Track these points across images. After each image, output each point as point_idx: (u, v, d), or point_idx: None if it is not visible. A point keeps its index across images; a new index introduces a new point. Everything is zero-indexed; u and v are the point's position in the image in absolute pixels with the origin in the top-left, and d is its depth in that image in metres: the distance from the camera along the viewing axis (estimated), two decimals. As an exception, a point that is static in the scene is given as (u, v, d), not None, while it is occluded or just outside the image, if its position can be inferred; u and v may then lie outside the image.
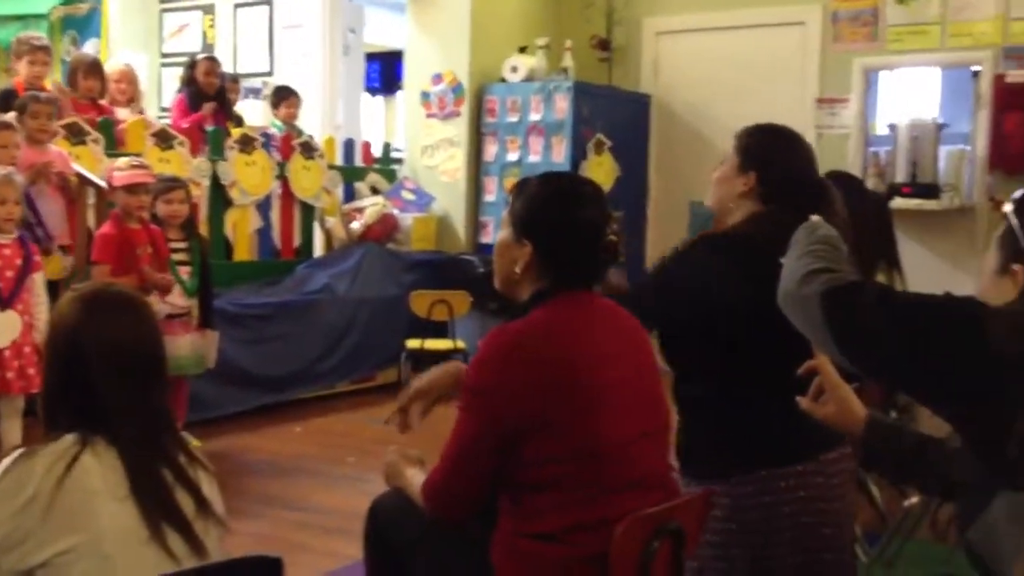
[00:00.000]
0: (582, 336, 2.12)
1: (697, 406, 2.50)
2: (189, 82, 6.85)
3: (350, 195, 7.45)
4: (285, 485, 4.78)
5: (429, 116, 7.81)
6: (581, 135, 7.34)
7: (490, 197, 7.56)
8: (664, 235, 7.50)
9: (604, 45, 8.03)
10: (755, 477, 2.39)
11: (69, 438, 1.84)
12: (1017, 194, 1.56)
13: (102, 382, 1.89)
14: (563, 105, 7.32)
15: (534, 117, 7.42)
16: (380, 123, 12.32)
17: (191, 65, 6.90)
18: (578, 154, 7.32)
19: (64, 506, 1.77)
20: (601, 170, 7.44)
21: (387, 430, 5.76)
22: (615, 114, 7.63)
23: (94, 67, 6.29)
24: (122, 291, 2.08)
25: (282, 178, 6.86)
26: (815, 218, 2.09)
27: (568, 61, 7.63)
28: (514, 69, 7.57)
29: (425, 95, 7.81)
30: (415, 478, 2.26)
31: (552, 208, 2.17)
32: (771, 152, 2.61)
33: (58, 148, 5.31)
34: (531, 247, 2.14)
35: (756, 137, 2.65)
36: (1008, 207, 1.55)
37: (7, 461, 1.84)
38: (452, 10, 7.67)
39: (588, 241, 2.17)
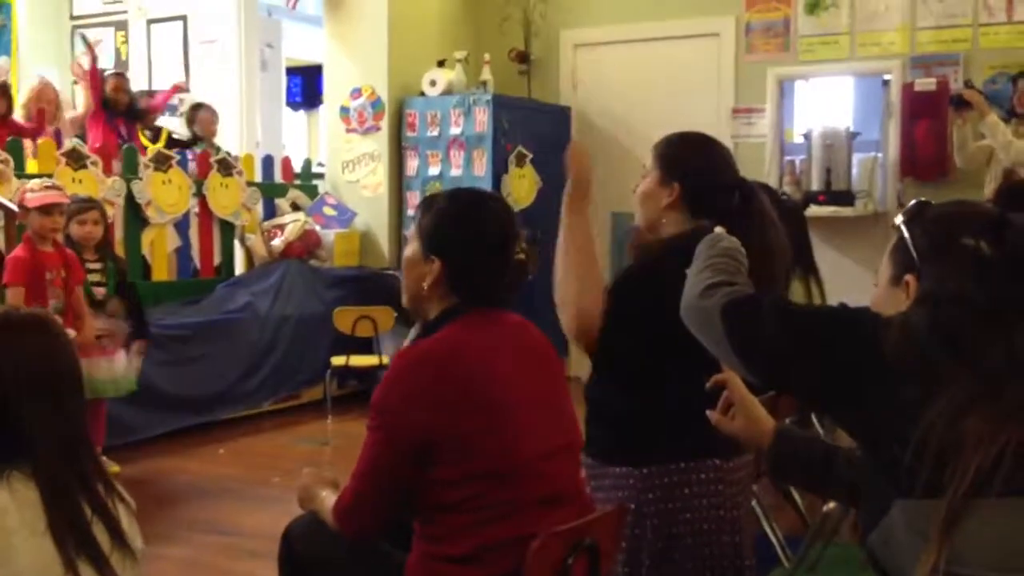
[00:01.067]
0: (490, 354, 2.12)
1: (618, 395, 2.50)
2: (104, 101, 6.76)
3: (271, 212, 7.38)
4: (210, 508, 4.71)
5: (349, 131, 7.77)
6: (502, 148, 7.37)
7: (412, 211, 7.55)
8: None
9: (522, 58, 8.07)
10: (670, 468, 2.41)
11: None
12: (908, 206, 1.60)
13: (17, 408, 1.85)
14: (483, 118, 7.34)
15: (454, 131, 7.43)
16: (303, 138, 12.22)
17: (103, 81, 6.81)
18: (500, 167, 7.34)
19: None
20: (523, 182, 7.48)
21: (312, 450, 5.75)
22: (535, 126, 7.67)
23: (2, 86, 6.17)
24: (32, 313, 2.04)
25: (200, 196, 6.77)
26: (718, 230, 2.12)
27: (487, 74, 7.66)
28: (433, 83, 7.57)
29: (344, 110, 7.78)
30: (328, 500, 2.25)
31: (459, 225, 2.18)
32: (691, 160, 2.60)
33: (-35, 170, 5.20)
34: (439, 264, 2.14)
35: (674, 147, 2.63)
36: (899, 219, 1.59)
37: None
38: (369, 24, 7.64)
39: (495, 258, 2.18)
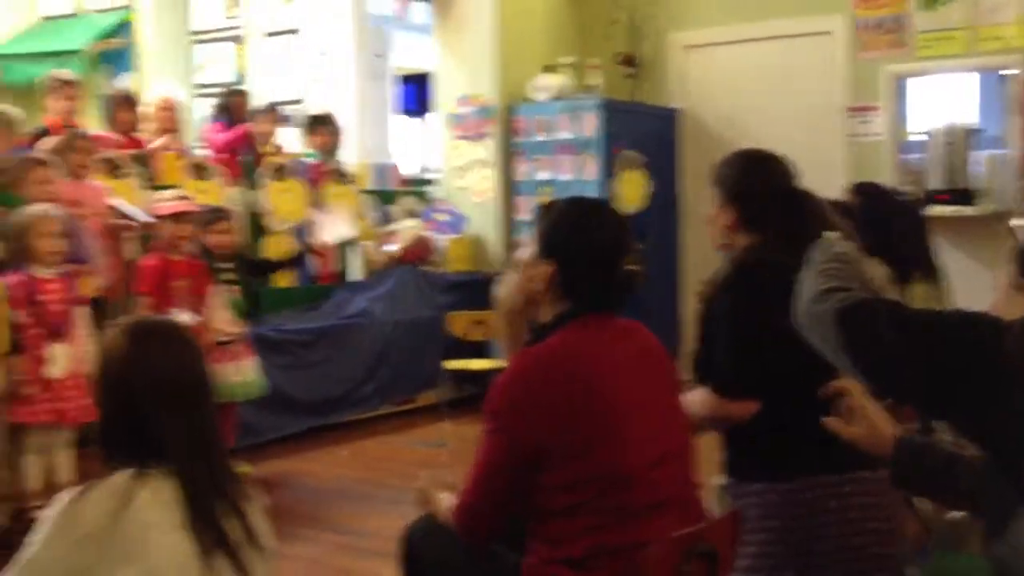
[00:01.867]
0: (603, 358, 2.15)
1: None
2: (223, 111, 6.99)
3: (384, 219, 7.53)
4: (330, 508, 4.85)
5: (459, 138, 7.88)
6: (611, 152, 7.39)
7: (523, 216, 7.61)
8: (700, 244, 7.53)
9: (630, 61, 8.07)
10: (813, 482, 2.41)
11: (123, 473, 1.89)
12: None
13: (154, 414, 1.95)
14: (591, 123, 7.36)
15: (563, 136, 7.47)
16: (415, 145, 12.41)
17: (225, 95, 7.04)
18: (609, 171, 7.36)
19: (120, 540, 1.83)
20: (633, 186, 7.48)
21: (429, 452, 5.86)
22: (644, 130, 7.67)
23: (130, 101, 6.43)
24: (166, 322, 2.15)
25: (318, 204, 6.95)
26: (830, 235, 2.11)
27: (594, 78, 7.68)
28: (541, 88, 7.63)
29: (454, 117, 7.89)
30: (446, 502, 2.31)
31: (575, 229, 2.22)
32: (741, 179, 2.64)
33: (96, 182, 5.43)
34: (552, 267, 2.19)
35: (726, 169, 2.68)
36: (1014, 222, 1.57)
37: (60, 501, 1.90)
38: (477, 31, 7.74)
39: (607, 266, 2.21)
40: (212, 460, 2.00)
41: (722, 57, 7.95)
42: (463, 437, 6.06)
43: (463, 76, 7.84)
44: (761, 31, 7.68)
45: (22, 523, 4.31)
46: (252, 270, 5.42)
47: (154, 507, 1.87)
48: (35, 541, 1.88)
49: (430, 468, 5.37)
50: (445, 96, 7.99)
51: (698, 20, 7.98)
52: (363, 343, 6.59)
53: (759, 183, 2.62)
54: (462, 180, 7.88)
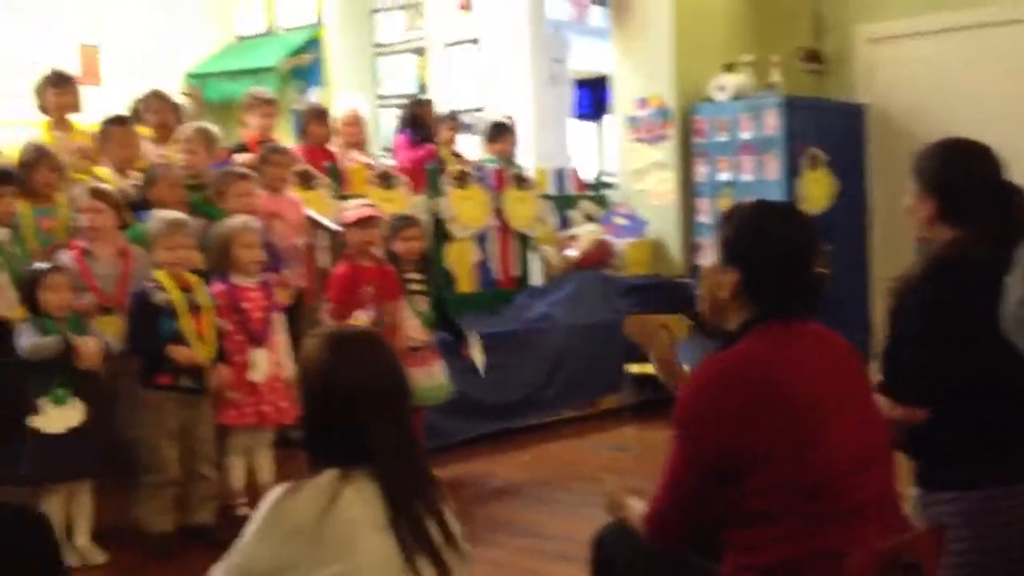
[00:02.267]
0: (794, 363, 2.11)
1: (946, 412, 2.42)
2: (410, 121, 7.18)
3: (564, 223, 7.57)
4: (516, 511, 4.90)
5: (637, 140, 7.85)
6: (794, 151, 7.21)
7: (704, 218, 7.51)
8: (890, 243, 7.28)
9: (813, 56, 7.87)
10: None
11: (330, 472, 1.98)
12: None
13: (355, 418, 2.03)
14: (773, 121, 7.21)
15: (744, 135, 7.35)
16: (592, 149, 12.43)
17: (411, 105, 7.23)
18: (792, 170, 7.19)
19: (327, 537, 1.91)
20: (818, 185, 7.29)
21: (613, 456, 5.85)
22: (828, 127, 7.46)
23: (321, 115, 6.67)
24: (363, 330, 2.24)
25: (498, 210, 7.06)
26: None
27: (776, 76, 7.52)
28: (721, 88, 7.52)
29: (632, 120, 7.87)
30: (636, 508, 2.30)
31: (759, 235, 2.18)
32: (943, 170, 2.55)
33: (292, 194, 5.65)
34: (737, 274, 2.16)
35: (928, 159, 2.59)
36: None
37: (272, 497, 2.00)
38: (654, 33, 7.69)
39: (794, 271, 2.17)
40: (411, 462, 2.06)
41: (911, 49, 7.65)
42: (646, 441, 6.04)
43: (640, 78, 7.81)
44: (952, 21, 7.36)
45: (227, 520, 4.54)
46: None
47: (359, 506, 1.94)
48: (248, 533, 1.98)
49: (614, 473, 5.43)
50: (622, 99, 7.98)
51: (885, 12, 7.71)
52: (544, 347, 6.64)
53: (961, 174, 2.53)
54: (641, 183, 7.84)
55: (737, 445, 2.03)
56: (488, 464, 5.76)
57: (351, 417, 2.03)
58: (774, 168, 7.20)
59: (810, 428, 2.05)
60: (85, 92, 5.70)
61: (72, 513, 4.18)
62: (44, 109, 5.36)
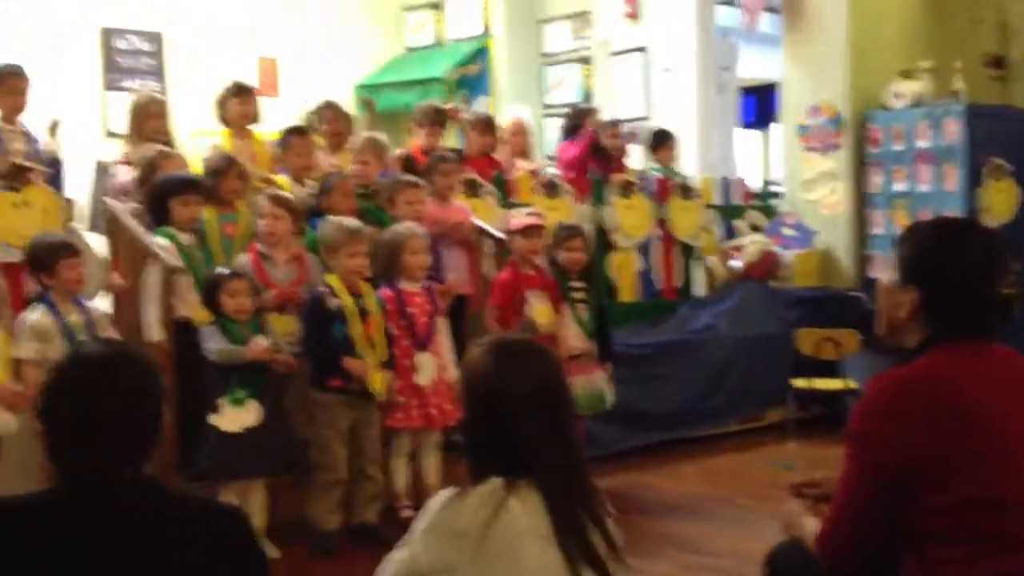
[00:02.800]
0: (976, 381, 2.03)
1: None
2: (573, 130, 7.20)
3: (729, 233, 7.45)
4: (679, 525, 4.83)
5: (808, 149, 7.67)
6: (976, 161, 6.90)
7: (877, 230, 7.28)
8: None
9: (998, 62, 7.52)
10: None
11: (496, 481, 1.98)
12: None
13: (521, 427, 2.03)
14: (954, 129, 6.93)
15: (922, 144, 7.09)
16: (756, 157, 12.22)
17: (574, 115, 7.24)
18: (973, 181, 6.88)
19: (492, 545, 1.91)
20: (1002, 197, 6.97)
21: (776, 473, 5.70)
22: (1014, 135, 7.11)
23: (488, 124, 6.74)
24: (526, 339, 2.24)
25: (661, 220, 6.99)
26: None
27: (958, 83, 7.21)
28: (898, 95, 7.27)
29: (803, 128, 7.68)
30: (811, 527, 2.24)
31: (939, 254, 2.11)
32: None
33: (460, 203, 5.73)
34: (916, 293, 2.09)
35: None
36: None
37: (440, 499, 2.02)
38: (828, 40, 7.50)
39: (977, 291, 2.08)
40: (574, 472, 2.05)
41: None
42: (811, 458, 5.87)
43: (812, 85, 7.63)
44: None
45: (391, 521, 4.63)
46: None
47: (524, 517, 1.94)
48: (415, 531, 2.01)
49: (778, 489, 5.28)
50: (792, 107, 7.81)
51: (1077, 14, 7.32)
52: (708, 358, 6.54)
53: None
54: (811, 193, 7.65)
55: (917, 460, 1.97)
56: (648, 476, 5.70)
57: (514, 426, 2.03)
58: (954, 178, 6.91)
59: (992, 444, 1.98)
60: (264, 103, 5.91)
61: (247, 509, 4.32)
62: (225, 119, 5.58)
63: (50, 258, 4.13)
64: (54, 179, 4.95)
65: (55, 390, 1.89)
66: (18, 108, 5.16)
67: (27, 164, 4.82)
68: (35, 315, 4.13)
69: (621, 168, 7.15)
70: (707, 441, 6.40)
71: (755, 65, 9.52)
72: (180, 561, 1.80)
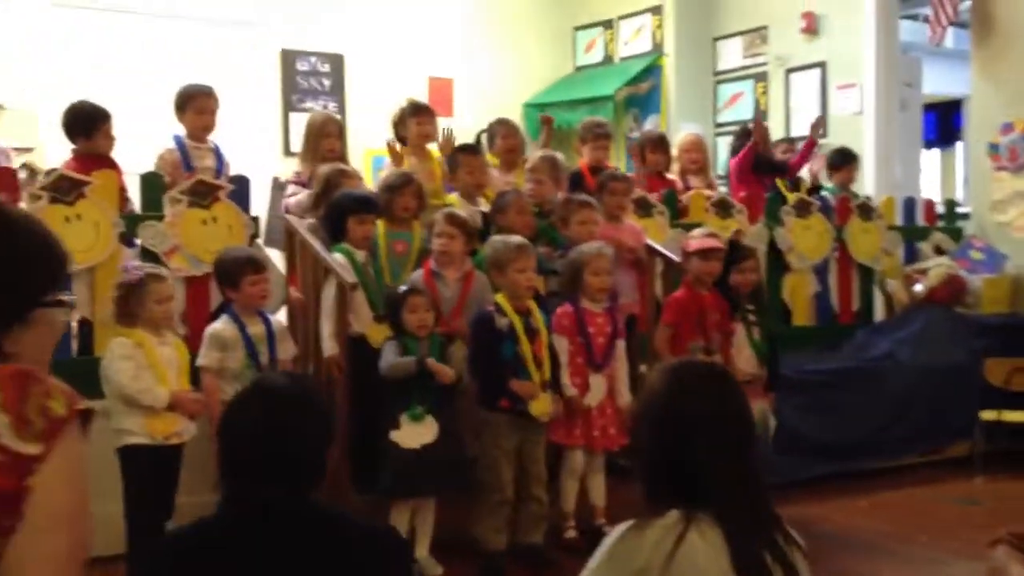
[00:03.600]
0: None
1: None
2: (742, 148, 7.04)
3: (912, 256, 7.14)
4: (852, 562, 4.62)
5: (999, 169, 7.28)
6: None
7: (1077, 256, 6.85)
8: None
9: None
10: None
11: (675, 514, 1.91)
12: None
13: (701, 454, 1.95)
14: None
15: None
16: (936, 177, 11.72)
17: (742, 133, 7.09)
18: None
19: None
20: None
21: (961, 510, 5.40)
22: None
23: (660, 142, 6.65)
24: (708, 363, 2.16)
25: (839, 241, 6.76)
26: None
27: None
28: (1102, 111, 6.83)
29: (993, 147, 7.30)
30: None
31: None
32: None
33: (631, 222, 5.66)
34: None
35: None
36: None
37: (617, 533, 1.95)
38: (1021, 54, 7.10)
39: None
40: (756, 502, 1.96)
41: None
42: (999, 494, 5.54)
43: (1004, 101, 7.25)
44: None
45: (556, 542, 4.59)
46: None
47: (703, 551, 1.87)
48: (592, 567, 1.95)
49: (966, 527, 5.01)
50: (981, 124, 7.44)
51: None
52: (887, 387, 6.26)
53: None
54: (1001, 214, 7.26)
55: None
56: (822, 508, 5.48)
57: (693, 453, 1.95)
58: None
59: None
60: (438, 123, 5.97)
61: (415, 525, 4.36)
62: (402, 138, 5.67)
63: (236, 273, 4.27)
64: (240, 196, 5.10)
65: (236, 415, 2.03)
66: (208, 127, 5.35)
67: (214, 182, 5.01)
68: (219, 325, 4.29)
69: (792, 178, 6.96)
70: (883, 474, 6.10)
71: (937, 81, 9.14)
72: None
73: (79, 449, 1.15)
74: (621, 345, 4.77)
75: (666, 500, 1.94)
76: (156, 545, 1.99)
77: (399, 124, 5.62)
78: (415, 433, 4.25)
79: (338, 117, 6.05)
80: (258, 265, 4.34)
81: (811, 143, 6.97)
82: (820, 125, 7.22)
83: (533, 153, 5.71)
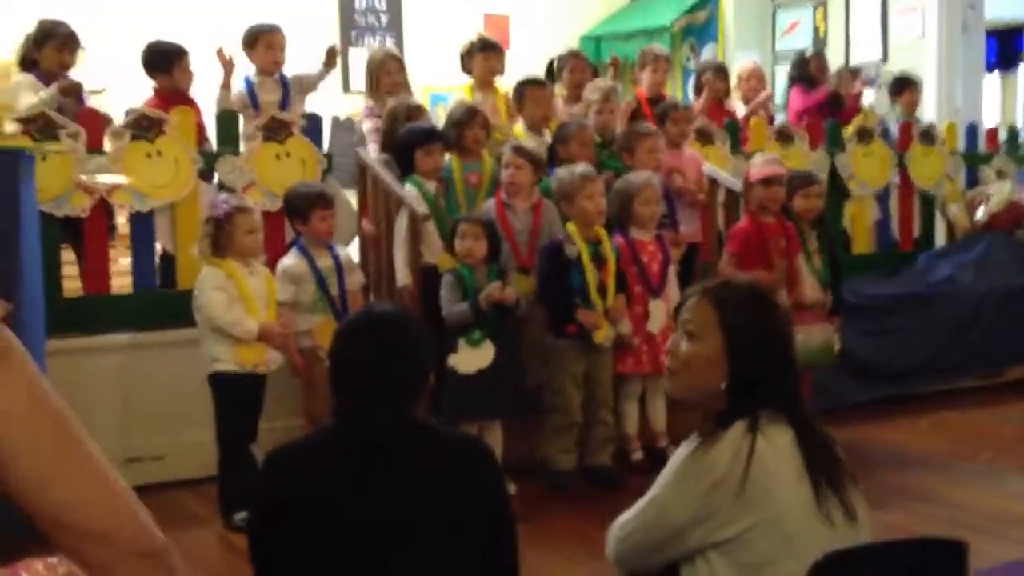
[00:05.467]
0: None
1: None
2: (799, 77, 7.03)
3: (973, 182, 7.13)
4: (913, 477, 4.72)
5: (1062, 92, 7.20)
6: None
7: None
8: None
9: None
10: None
11: (740, 425, 2.01)
12: None
13: (772, 370, 2.07)
14: None
15: None
16: (997, 101, 11.54)
17: (800, 63, 7.08)
18: None
19: (748, 489, 1.96)
20: None
21: (1020, 429, 5.45)
22: None
23: (719, 70, 6.67)
24: (749, 283, 2.26)
25: (901, 168, 6.76)
26: None
27: None
28: None
29: (1057, 70, 7.22)
30: None
31: None
32: None
33: (691, 151, 5.72)
34: None
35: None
36: None
37: (686, 450, 2.06)
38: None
39: None
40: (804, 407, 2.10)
41: None
42: (1056, 414, 5.61)
43: (1068, 24, 7.14)
44: None
45: (623, 464, 4.75)
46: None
47: (772, 456, 1.98)
48: (662, 487, 2.07)
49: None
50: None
51: None
52: (948, 312, 6.31)
53: None
54: (1064, 139, 7.20)
55: None
56: (881, 429, 5.58)
57: (766, 367, 2.07)
58: None
59: None
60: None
61: (485, 445, 4.51)
62: (469, 72, 5.75)
63: (305, 207, 4.42)
64: (313, 133, 5.23)
65: (347, 339, 2.24)
66: (278, 62, 5.46)
67: (287, 117, 5.14)
68: (289, 260, 4.45)
69: (854, 113, 6.94)
70: (943, 396, 6.17)
71: (1000, 3, 8.98)
72: (446, 492, 2.08)
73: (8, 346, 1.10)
74: (672, 271, 4.86)
75: (730, 414, 2.04)
76: (271, 460, 2.17)
77: (466, 58, 5.70)
78: (473, 358, 4.35)
79: (397, 53, 6.11)
80: (327, 200, 4.48)
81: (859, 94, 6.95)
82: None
83: (592, 83, 5.74)
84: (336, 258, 4.51)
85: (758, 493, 1.95)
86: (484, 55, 5.63)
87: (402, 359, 2.18)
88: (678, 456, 2.06)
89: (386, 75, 5.56)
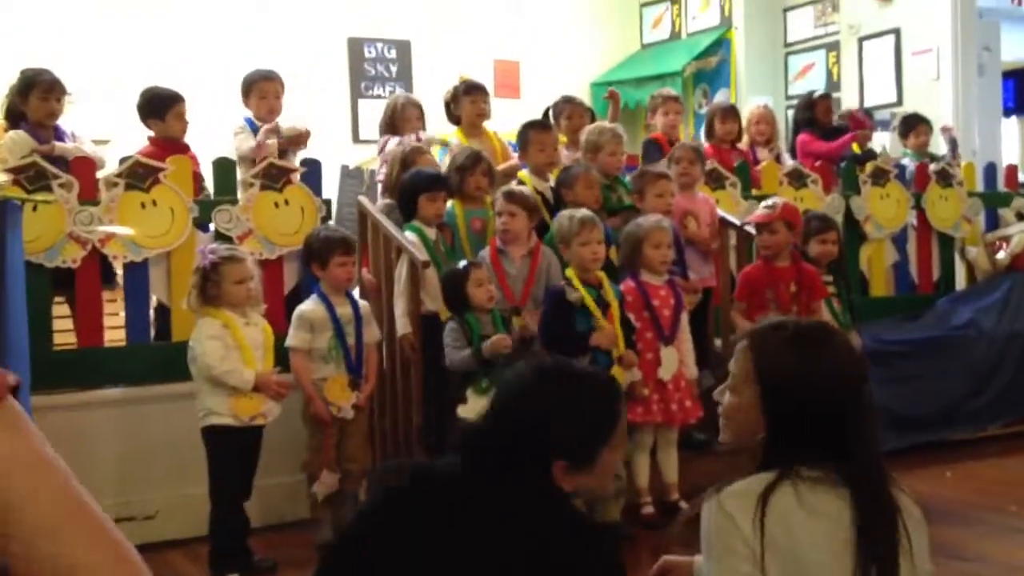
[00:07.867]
0: None
1: None
2: (806, 121, 6.92)
3: (993, 223, 6.96)
4: (940, 531, 4.46)
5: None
6: None
7: None
8: None
9: None
10: None
11: (762, 479, 1.86)
12: None
13: (818, 421, 1.90)
14: None
15: None
16: (1014, 144, 11.41)
17: (807, 104, 6.97)
18: None
19: (777, 544, 1.80)
20: None
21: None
22: None
23: (730, 112, 6.56)
24: (821, 326, 2.11)
25: (918, 209, 6.61)
26: None
27: None
28: None
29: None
30: None
31: None
32: None
33: (704, 194, 5.60)
34: None
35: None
36: None
37: (711, 507, 1.89)
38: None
39: None
40: (874, 467, 1.92)
41: None
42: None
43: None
44: None
45: (634, 519, 4.56)
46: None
47: (803, 521, 1.83)
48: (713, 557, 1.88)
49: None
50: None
51: None
52: (970, 357, 6.13)
53: None
54: (1085, 180, 7.04)
55: None
56: (905, 479, 5.14)
57: (810, 416, 1.90)
58: None
59: None
60: (505, 105, 5.94)
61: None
62: (457, 120, 5.66)
63: (326, 252, 4.30)
64: (312, 179, 5.14)
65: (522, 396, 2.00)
66: (273, 111, 5.39)
67: (287, 165, 5.05)
68: (308, 306, 4.32)
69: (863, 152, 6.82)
70: (966, 445, 5.95)
71: (1017, 46, 8.89)
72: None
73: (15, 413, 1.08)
74: (684, 318, 4.72)
75: (772, 463, 1.88)
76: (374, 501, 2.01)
77: (452, 103, 5.62)
78: (481, 407, 4.23)
79: (417, 99, 6.04)
80: (349, 246, 4.37)
81: (852, 137, 6.80)
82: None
83: (594, 126, 5.63)
84: (356, 307, 4.38)
85: (790, 550, 1.79)
86: (471, 98, 5.56)
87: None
88: (707, 515, 1.88)
89: (405, 122, 5.49)
